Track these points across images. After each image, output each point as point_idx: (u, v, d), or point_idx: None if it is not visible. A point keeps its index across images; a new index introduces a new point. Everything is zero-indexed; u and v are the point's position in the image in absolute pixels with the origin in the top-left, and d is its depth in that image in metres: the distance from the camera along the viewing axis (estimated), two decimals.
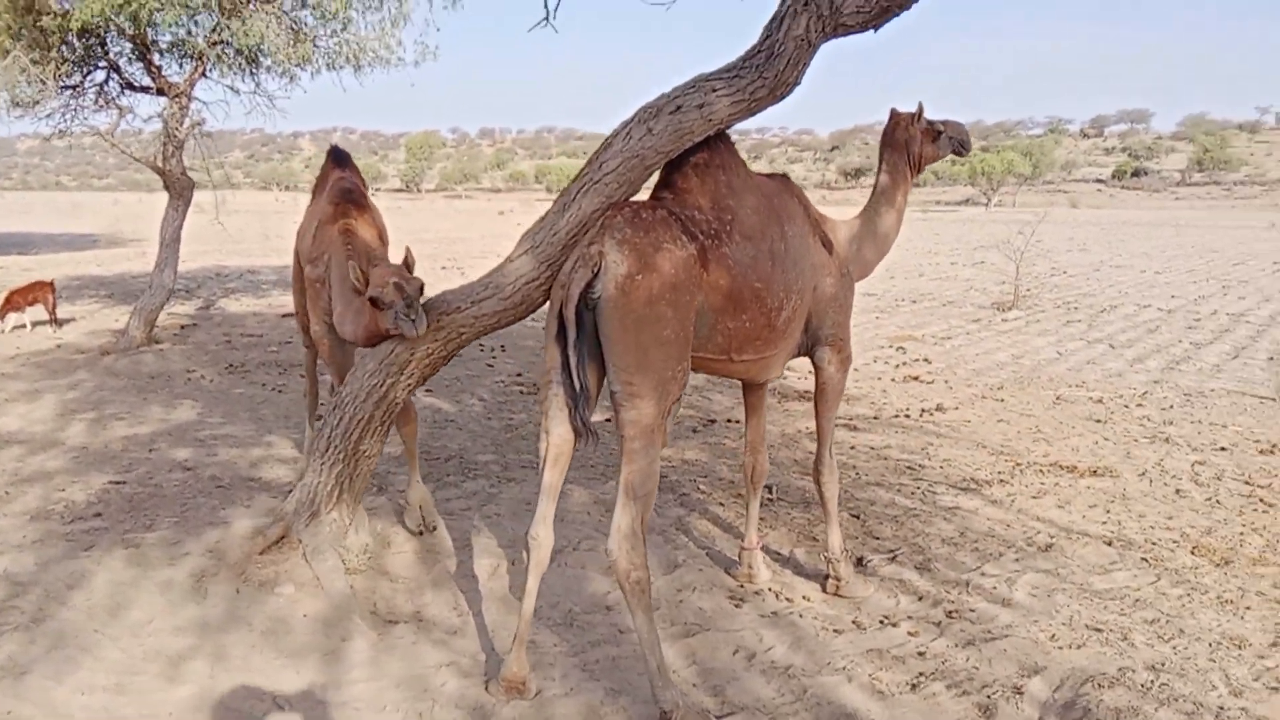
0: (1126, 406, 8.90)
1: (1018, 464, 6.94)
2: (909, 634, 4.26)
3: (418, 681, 3.79)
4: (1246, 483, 6.53)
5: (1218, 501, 6.14)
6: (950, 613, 4.45)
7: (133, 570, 4.62)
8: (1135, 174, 79.01)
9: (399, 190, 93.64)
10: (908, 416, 8.43)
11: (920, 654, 4.07)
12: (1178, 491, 6.35)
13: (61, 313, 12.90)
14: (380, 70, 12.04)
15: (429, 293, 4.25)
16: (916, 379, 10.09)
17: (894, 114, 4.93)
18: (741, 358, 4.05)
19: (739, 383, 4.95)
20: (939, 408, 8.75)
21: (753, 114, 3.91)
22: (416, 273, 4.28)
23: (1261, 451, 7.32)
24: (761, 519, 5.42)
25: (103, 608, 4.25)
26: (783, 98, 3.87)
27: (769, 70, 3.77)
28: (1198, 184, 75.36)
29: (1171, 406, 8.91)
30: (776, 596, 4.70)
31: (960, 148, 4.95)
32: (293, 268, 6.23)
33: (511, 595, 4.64)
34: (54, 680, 3.64)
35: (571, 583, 4.74)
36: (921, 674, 3.89)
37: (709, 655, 4.08)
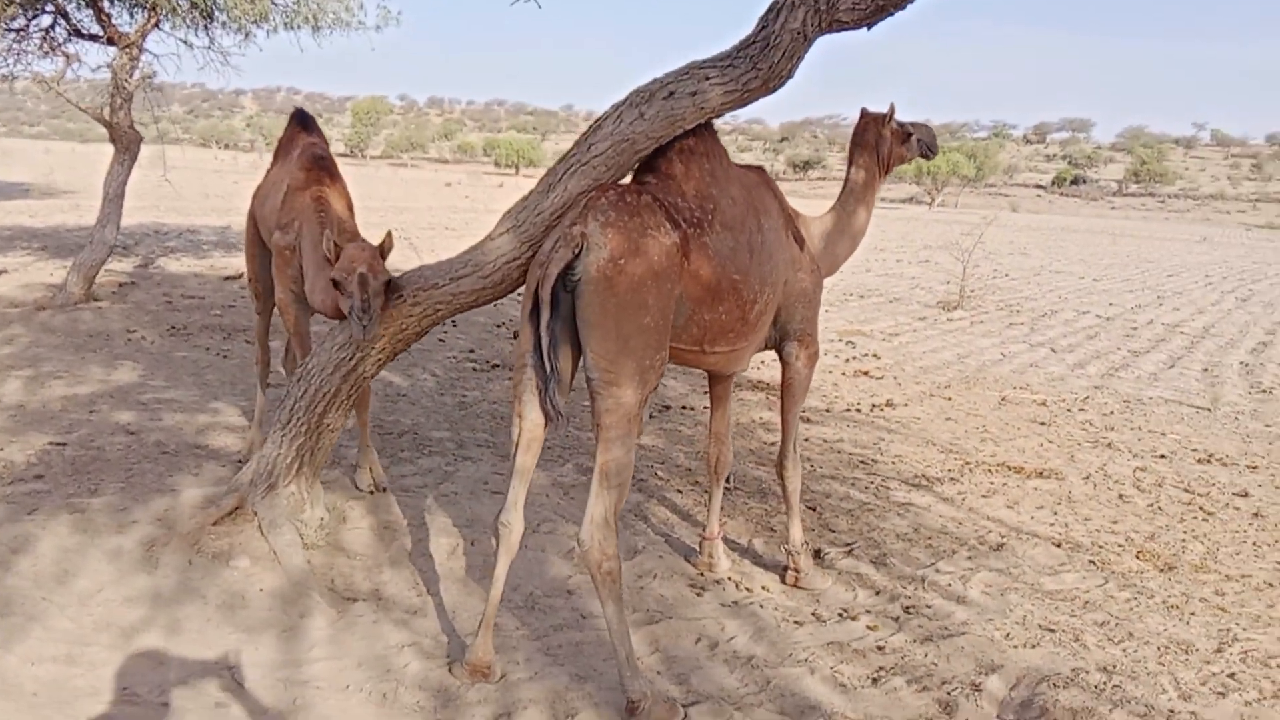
0: (1069, 410, 9.12)
1: (967, 463, 7.07)
2: (868, 628, 4.31)
3: (380, 661, 3.73)
4: (1186, 490, 6.74)
5: (1160, 508, 6.32)
6: (907, 608, 4.52)
7: (79, 536, 4.46)
8: (1074, 181, 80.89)
9: (343, 155, 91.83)
10: (859, 411, 8.53)
11: (880, 648, 4.12)
12: (1121, 496, 6.52)
13: None
14: (340, 32, 11.82)
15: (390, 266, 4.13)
16: (866, 374, 10.21)
17: (865, 114, 4.96)
18: (714, 349, 4.03)
19: (696, 371, 4.96)
20: (889, 403, 8.86)
21: (744, 104, 3.89)
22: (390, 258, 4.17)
23: (1199, 461, 7.56)
24: (719, 508, 5.44)
25: (50, 575, 4.10)
26: (775, 89, 3.86)
27: (763, 61, 3.75)
28: (1134, 194, 77.46)
29: (1112, 412, 9.15)
30: (736, 586, 4.72)
31: (928, 150, 5.03)
32: (247, 230, 6.06)
33: (470, 577, 4.59)
34: (2, 648, 3.51)
35: (533, 566, 4.70)
36: (882, 668, 3.94)
37: (672, 643, 4.09)
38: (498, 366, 9.20)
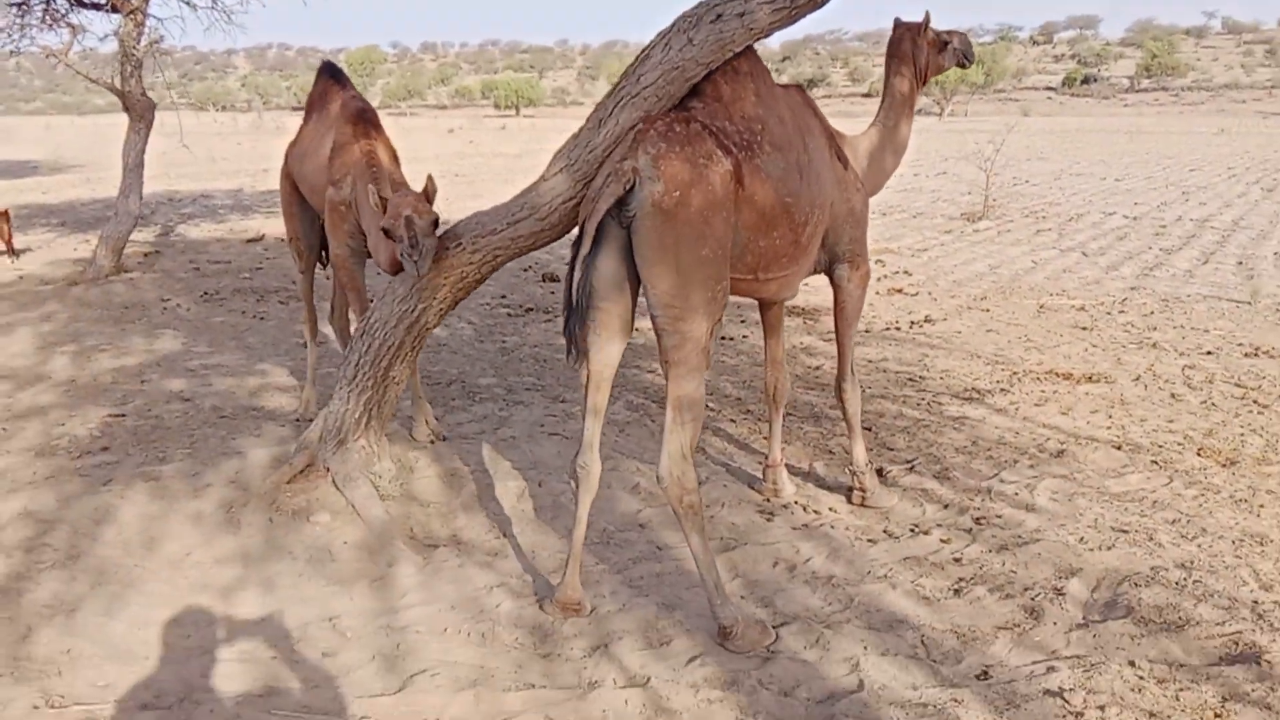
0: (1109, 313, 9.06)
1: (1014, 372, 7.06)
2: (941, 541, 4.36)
3: (472, 603, 3.81)
4: (1237, 385, 6.72)
5: (1213, 404, 6.31)
6: (978, 519, 4.56)
7: (158, 503, 4.55)
8: (1085, 81, 79.20)
9: None
10: (898, 329, 8.51)
11: (956, 560, 4.17)
12: (1173, 395, 6.51)
13: (16, 243, 12.43)
14: None
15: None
16: (900, 291, 10.16)
17: (899, 24, 4.85)
18: (768, 275, 3.99)
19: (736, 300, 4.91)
20: (927, 319, 8.83)
21: (793, 21, 3.79)
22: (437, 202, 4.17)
23: (1246, 355, 7.52)
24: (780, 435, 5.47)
25: (137, 542, 4.19)
26: (823, 3, 3.77)
27: None
28: (1146, 90, 75.87)
29: (1153, 312, 9.09)
30: (804, 509, 4.77)
31: (965, 58, 4.93)
32: (282, 190, 6.02)
33: (540, 518, 4.65)
34: (106, 616, 3.60)
35: (602, 503, 4.74)
36: (962, 579, 3.99)
37: (750, 568, 4.15)
38: (532, 310, 9.21)
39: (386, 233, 4.02)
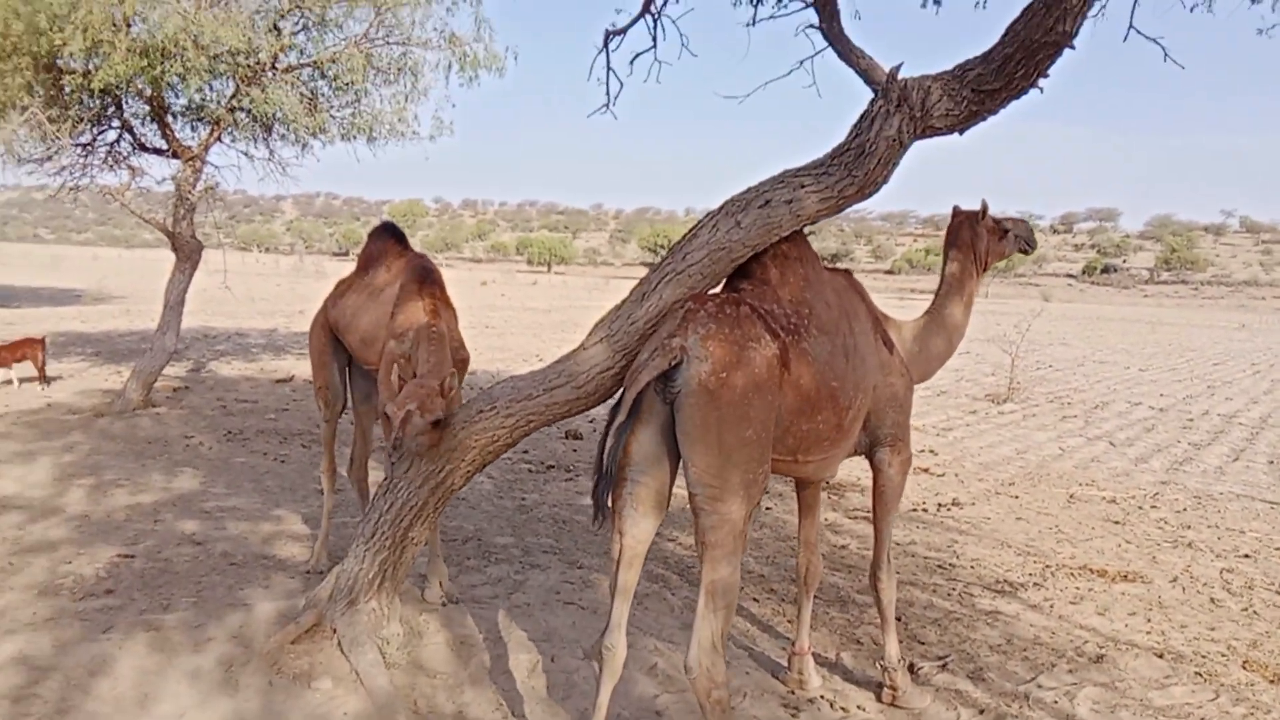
0: (1140, 508, 8.85)
1: (1047, 565, 6.83)
2: None
3: None
4: (1278, 593, 6.45)
5: (1255, 612, 6.05)
6: None
7: (157, 656, 4.36)
8: (1105, 270, 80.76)
9: None
10: (925, 510, 8.33)
11: None
12: (1213, 600, 6.25)
13: (49, 371, 12.59)
14: (395, 142, 12.12)
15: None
16: (926, 470, 10.01)
17: (958, 212, 4.90)
18: (808, 458, 3.92)
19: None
20: (955, 502, 8.65)
21: (839, 210, 3.88)
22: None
23: None
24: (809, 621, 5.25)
25: (130, 699, 3.99)
26: (870, 196, 3.84)
27: (859, 169, 3.74)
28: (1166, 282, 77.15)
29: (1185, 509, 8.87)
30: (831, 705, 4.52)
31: (1027, 245, 4.94)
32: (317, 339, 6.09)
33: (552, 696, 4.42)
34: None
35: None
36: None
37: None
38: (553, 468, 9.11)
39: (387, 417, 4.09)
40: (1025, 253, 4.96)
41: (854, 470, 9.18)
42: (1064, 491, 9.36)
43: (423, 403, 4.13)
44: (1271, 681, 4.98)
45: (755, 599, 5.84)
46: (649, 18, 5.31)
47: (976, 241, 4.77)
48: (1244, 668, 5.15)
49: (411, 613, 5.05)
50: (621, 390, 3.58)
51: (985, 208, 4.82)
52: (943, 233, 5.08)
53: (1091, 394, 17.22)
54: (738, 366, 3.43)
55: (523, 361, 16.76)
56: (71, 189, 10.70)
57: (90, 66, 9.22)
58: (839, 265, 4.50)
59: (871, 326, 4.31)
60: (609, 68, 5.29)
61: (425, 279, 5.37)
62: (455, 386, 4.36)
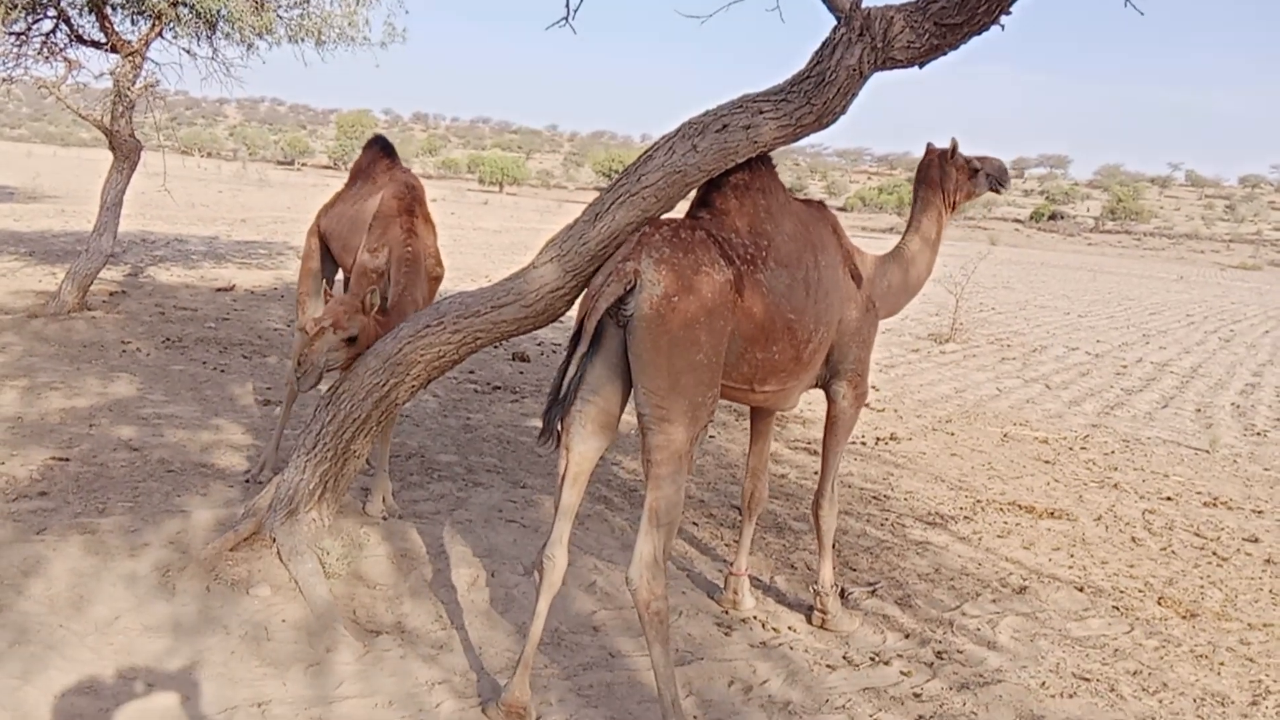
0: (1071, 449, 9.12)
1: (978, 500, 7.03)
2: (902, 673, 4.24)
3: (411, 700, 3.61)
4: (1197, 534, 6.73)
5: (1173, 552, 6.30)
6: (939, 653, 4.46)
7: (92, 559, 4.32)
8: (1052, 217, 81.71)
9: (326, 167, 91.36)
10: (864, 444, 8.49)
11: (916, 695, 4.05)
12: (1134, 539, 6.50)
13: None
14: (344, 47, 11.72)
15: None
16: (867, 406, 10.16)
17: (930, 150, 4.87)
18: (764, 388, 3.96)
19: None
20: (893, 437, 8.84)
21: (796, 139, 3.86)
22: None
23: (1205, 504, 7.56)
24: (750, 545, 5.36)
25: (65, 600, 3.96)
26: (828, 125, 3.82)
27: (817, 97, 3.72)
28: (1110, 232, 78.33)
29: (1114, 452, 9.16)
30: (763, 625, 4.64)
31: (999, 185, 4.91)
32: (307, 245, 6.22)
33: (493, 609, 4.48)
34: (21, 679, 3.36)
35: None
36: (921, 717, 3.87)
37: (705, 685, 4.00)
38: (499, 389, 9.09)
39: (304, 331, 4.25)
40: (997, 192, 4.95)
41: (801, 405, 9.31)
42: (998, 430, 9.60)
43: (338, 319, 4.28)
44: (1184, 617, 5.22)
45: (695, 523, 5.94)
46: None
47: (945, 180, 4.76)
48: (1159, 604, 5.38)
49: (353, 526, 5.05)
50: (579, 317, 3.57)
51: (955, 146, 4.80)
52: (909, 172, 5.08)
53: (1031, 337, 17.57)
54: (689, 291, 3.44)
55: (471, 281, 16.60)
56: (3, 80, 10.20)
57: None
58: (815, 200, 4.45)
59: (841, 260, 4.31)
60: None
61: (404, 195, 5.39)
62: (376, 304, 4.45)
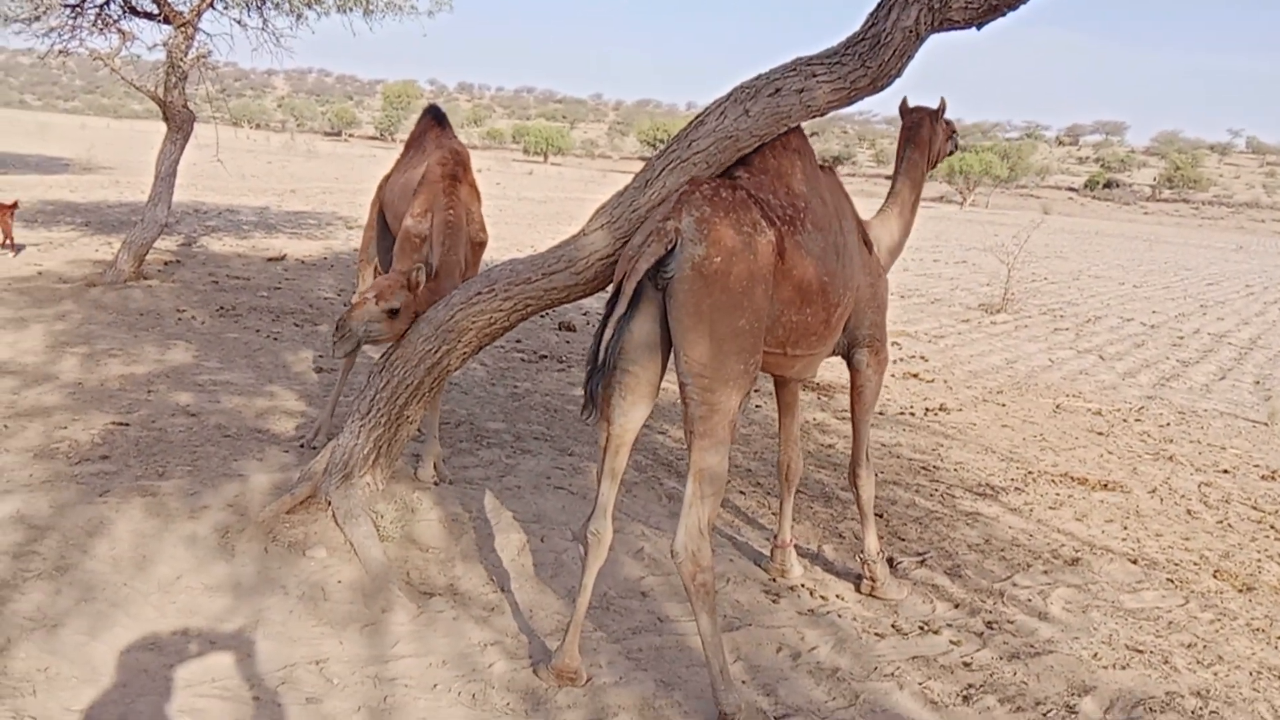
0: (1125, 421, 8.96)
1: (1029, 472, 6.95)
2: (951, 642, 4.22)
3: (464, 660, 3.67)
4: (1254, 508, 6.60)
5: (1230, 525, 6.19)
6: (990, 623, 4.43)
7: (153, 521, 4.43)
8: (1107, 185, 79.92)
9: (373, 138, 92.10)
10: (913, 414, 8.42)
11: (966, 664, 4.03)
12: (1189, 512, 6.39)
13: (38, 238, 12.43)
14: (392, 16, 11.77)
15: None
16: (916, 376, 10.09)
17: (919, 110, 4.81)
18: (795, 352, 3.90)
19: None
20: (943, 408, 8.75)
21: (850, 103, 3.79)
22: None
23: (1264, 477, 7.40)
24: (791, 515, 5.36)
25: (128, 560, 4.07)
26: (883, 89, 3.75)
27: (873, 59, 3.65)
28: (1167, 200, 76.50)
29: (1169, 424, 8.99)
30: (811, 594, 4.65)
31: (955, 147, 4.99)
32: (371, 213, 6.35)
33: (540, 575, 4.53)
34: (89, 635, 3.48)
35: (605, 566, 4.61)
36: (971, 685, 3.86)
37: (753, 652, 4.01)
38: (546, 358, 9.14)
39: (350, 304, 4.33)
40: (952, 154, 5.00)
41: (842, 373, 9.25)
42: (1050, 402, 9.46)
43: (382, 291, 4.32)
44: (1240, 590, 5.14)
45: (742, 492, 5.94)
46: None
47: (934, 139, 4.74)
48: (1215, 577, 5.29)
49: (405, 491, 5.12)
50: (617, 279, 3.52)
51: (944, 106, 4.78)
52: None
53: (1085, 308, 17.26)
54: (734, 251, 3.37)
55: (516, 251, 16.65)
56: (60, 52, 10.38)
57: None
58: (825, 163, 4.43)
59: (856, 226, 4.30)
60: None
61: (448, 161, 5.42)
62: (422, 281, 4.45)
